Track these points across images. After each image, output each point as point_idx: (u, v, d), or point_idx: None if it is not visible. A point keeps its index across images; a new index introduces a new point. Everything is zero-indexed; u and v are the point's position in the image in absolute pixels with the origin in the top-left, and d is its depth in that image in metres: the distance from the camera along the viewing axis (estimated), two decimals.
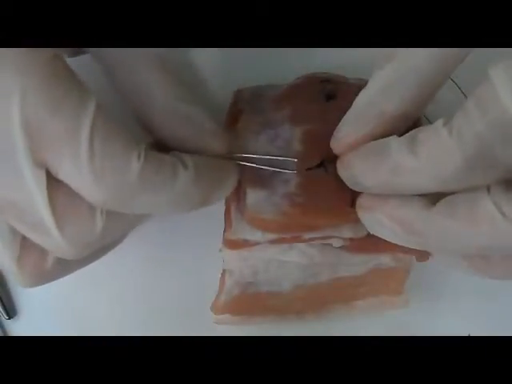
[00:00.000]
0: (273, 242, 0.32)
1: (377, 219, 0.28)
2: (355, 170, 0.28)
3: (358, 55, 0.33)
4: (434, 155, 0.25)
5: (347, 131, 0.29)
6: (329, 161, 0.30)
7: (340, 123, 0.29)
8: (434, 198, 0.26)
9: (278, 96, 0.34)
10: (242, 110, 0.34)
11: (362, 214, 0.29)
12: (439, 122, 0.25)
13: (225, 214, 0.34)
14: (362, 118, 0.29)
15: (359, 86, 0.33)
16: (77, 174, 0.25)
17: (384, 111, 0.28)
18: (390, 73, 0.28)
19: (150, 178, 0.26)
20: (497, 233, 0.25)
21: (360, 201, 0.29)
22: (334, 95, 0.33)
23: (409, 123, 0.28)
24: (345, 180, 0.29)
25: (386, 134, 0.28)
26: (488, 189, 0.25)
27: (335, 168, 0.30)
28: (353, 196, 0.30)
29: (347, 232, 0.31)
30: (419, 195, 0.27)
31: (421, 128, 0.26)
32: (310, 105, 0.33)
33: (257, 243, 0.32)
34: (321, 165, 0.31)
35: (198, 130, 0.29)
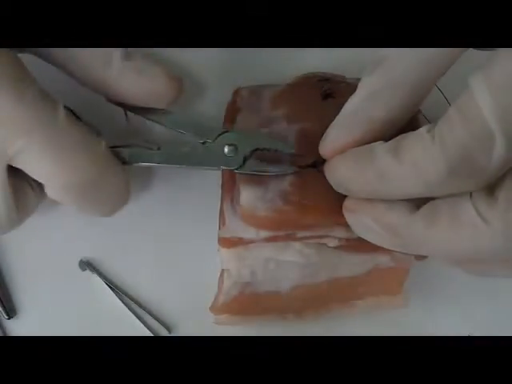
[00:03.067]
0: (267, 240, 0.32)
1: (362, 222, 0.29)
2: (341, 175, 0.29)
3: (357, 55, 0.33)
4: (417, 162, 0.25)
5: (335, 136, 0.29)
6: (323, 160, 0.31)
7: (328, 128, 0.30)
8: (419, 203, 0.27)
9: (275, 95, 0.34)
10: (240, 109, 0.34)
11: (349, 217, 0.30)
12: (423, 129, 0.25)
13: (219, 213, 0.34)
14: (350, 124, 0.29)
15: (357, 85, 0.33)
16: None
17: (372, 117, 0.28)
18: (377, 79, 0.28)
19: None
20: (478, 238, 0.25)
21: (346, 203, 0.30)
22: (331, 94, 0.33)
23: (398, 128, 0.29)
24: (332, 184, 0.30)
25: (374, 140, 0.28)
26: (470, 194, 0.25)
27: None
28: (345, 197, 0.30)
29: (341, 232, 0.31)
30: (404, 200, 0.27)
31: (405, 134, 0.26)
32: (306, 104, 0.33)
33: (251, 241, 0.32)
34: (315, 164, 0.31)
35: (152, 79, 0.31)
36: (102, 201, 0.31)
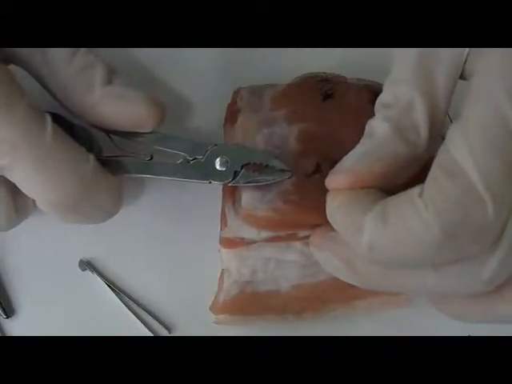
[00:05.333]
0: (268, 240, 0.32)
1: (325, 256, 0.29)
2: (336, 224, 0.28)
3: (357, 55, 0.33)
4: (410, 230, 0.24)
5: (353, 167, 0.27)
6: (323, 161, 0.31)
7: (343, 159, 0.28)
8: None
9: (276, 95, 0.34)
10: (241, 109, 0.34)
11: (313, 251, 0.31)
12: (415, 192, 0.24)
13: (221, 214, 0.34)
14: (372, 157, 0.27)
15: (357, 85, 0.33)
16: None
17: (397, 152, 0.26)
18: (400, 113, 0.26)
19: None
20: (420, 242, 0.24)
21: (311, 238, 0.30)
22: (331, 95, 0.33)
23: (420, 163, 0.27)
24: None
25: (397, 173, 0.27)
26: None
27: (329, 168, 0.30)
28: None
29: None
30: None
31: (393, 198, 0.25)
32: (307, 104, 0.33)
33: (252, 241, 0.32)
34: (315, 165, 0.31)
35: (133, 105, 0.30)
36: (91, 214, 0.31)
